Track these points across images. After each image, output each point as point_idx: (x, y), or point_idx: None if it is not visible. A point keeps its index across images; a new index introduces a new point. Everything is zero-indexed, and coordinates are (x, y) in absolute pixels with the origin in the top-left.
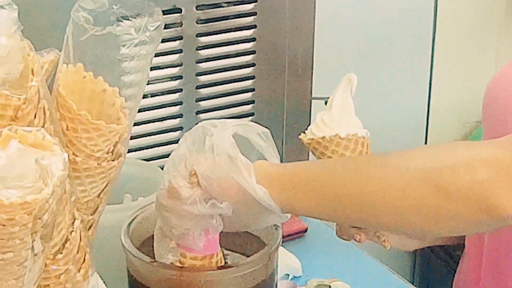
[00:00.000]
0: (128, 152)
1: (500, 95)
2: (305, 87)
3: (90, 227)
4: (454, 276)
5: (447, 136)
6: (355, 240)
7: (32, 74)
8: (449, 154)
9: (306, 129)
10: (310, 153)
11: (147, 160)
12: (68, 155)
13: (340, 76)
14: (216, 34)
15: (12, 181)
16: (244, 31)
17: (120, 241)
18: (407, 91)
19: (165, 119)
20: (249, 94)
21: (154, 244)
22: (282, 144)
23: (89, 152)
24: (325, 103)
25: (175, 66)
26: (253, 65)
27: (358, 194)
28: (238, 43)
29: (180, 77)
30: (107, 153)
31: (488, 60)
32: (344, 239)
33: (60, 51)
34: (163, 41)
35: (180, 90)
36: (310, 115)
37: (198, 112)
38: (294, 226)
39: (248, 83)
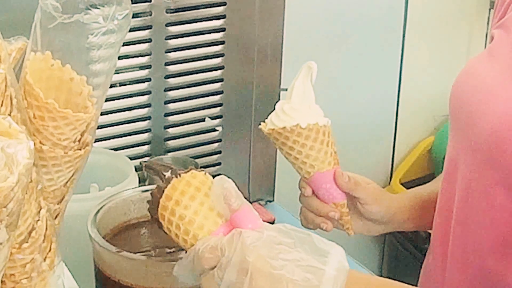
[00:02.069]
0: (95, 141)
1: (466, 92)
2: (274, 77)
3: (56, 216)
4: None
5: (417, 129)
6: (322, 229)
7: (0, 61)
8: None
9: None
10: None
11: (115, 149)
12: (35, 144)
13: None
14: (186, 23)
15: None
16: (214, 21)
17: (86, 230)
18: (377, 83)
19: (133, 109)
20: (217, 84)
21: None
22: (251, 134)
23: (56, 141)
24: None
25: (144, 56)
26: (222, 55)
27: None
28: (207, 33)
29: (149, 67)
30: (74, 142)
31: (459, 53)
32: (309, 228)
33: (28, 39)
34: (132, 30)
35: (149, 80)
36: None
37: (166, 102)
38: (261, 217)
39: (217, 73)
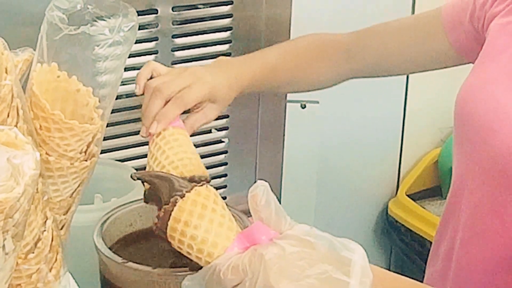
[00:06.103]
0: (101, 152)
1: (474, 106)
2: None
3: (62, 227)
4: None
5: (423, 141)
6: None
7: (6, 72)
8: None
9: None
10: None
11: (121, 161)
12: (41, 155)
13: None
14: (192, 35)
15: None
16: (220, 33)
17: (92, 241)
18: (383, 95)
19: (139, 120)
20: None
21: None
22: (257, 146)
23: (62, 152)
24: (301, 106)
25: None
26: None
27: None
28: (214, 45)
29: None
30: (80, 153)
31: (466, 64)
32: None
33: (35, 50)
34: (139, 41)
35: None
36: (285, 117)
37: None
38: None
39: None
